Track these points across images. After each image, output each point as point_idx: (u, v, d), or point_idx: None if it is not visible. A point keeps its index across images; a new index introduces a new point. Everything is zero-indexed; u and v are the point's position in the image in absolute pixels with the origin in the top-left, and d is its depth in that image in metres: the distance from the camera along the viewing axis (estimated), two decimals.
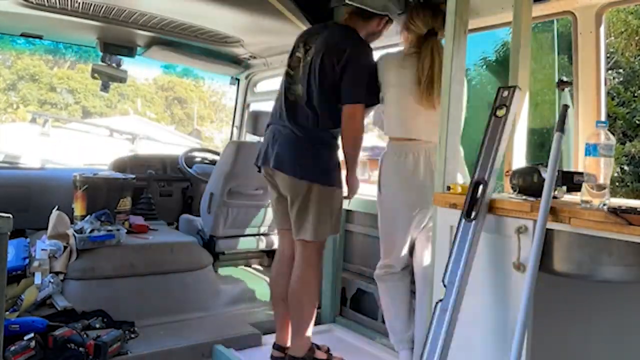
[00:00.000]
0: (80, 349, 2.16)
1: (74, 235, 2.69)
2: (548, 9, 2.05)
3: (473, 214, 1.53)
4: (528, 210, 1.47)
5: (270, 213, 3.23)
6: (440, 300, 1.49)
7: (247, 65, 3.88)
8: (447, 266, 1.52)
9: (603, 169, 1.42)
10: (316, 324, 2.96)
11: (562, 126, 1.48)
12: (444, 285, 1.50)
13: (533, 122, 2.47)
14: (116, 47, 3.44)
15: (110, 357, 2.22)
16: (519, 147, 1.89)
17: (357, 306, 3.02)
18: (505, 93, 1.65)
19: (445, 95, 1.82)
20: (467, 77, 2.06)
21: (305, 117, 2.28)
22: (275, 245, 3.32)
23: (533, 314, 1.44)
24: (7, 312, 2.32)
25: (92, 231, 2.70)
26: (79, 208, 2.99)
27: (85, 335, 2.23)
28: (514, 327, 1.38)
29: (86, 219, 2.82)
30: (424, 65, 2.17)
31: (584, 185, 1.44)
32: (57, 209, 2.88)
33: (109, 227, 2.77)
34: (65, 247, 2.67)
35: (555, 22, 2.73)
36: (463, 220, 1.54)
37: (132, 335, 2.46)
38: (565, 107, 1.53)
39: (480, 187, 1.55)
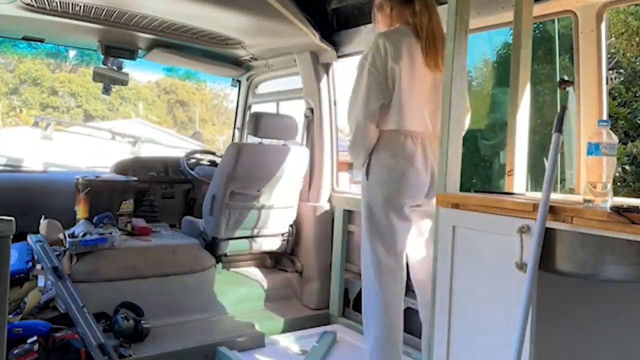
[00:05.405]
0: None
1: (65, 239, 2.67)
2: (549, 8, 2.05)
3: None
4: (530, 210, 1.46)
5: (271, 214, 3.23)
6: None
7: (249, 67, 3.88)
8: None
9: (605, 168, 1.41)
10: (321, 325, 2.96)
11: (560, 127, 1.48)
12: None
13: (534, 122, 2.45)
14: (117, 50, 3.45)
15: None
16: (521, 147, 1.89)
17: (360, 307, 3.01)
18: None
19: (446, 95, 1.81)
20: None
21: None
22: (276, 247, 3.34)
23: (536, 314, 1.44)
24: (10, 315, 2.33)
25: (84, 235, 2.66)
26: (81, 211, 2.99)
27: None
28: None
29: (80, 222, 2.82)
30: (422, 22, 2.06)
31: (586, 184, 1.43)
32: (45, 218, 2.88)
33: (102, 231, 2.72)
34: (65, 251, 2.66)
35: (556, 21, 2.73)
36: None
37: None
38: (563, 107, 1.52)
39: None
